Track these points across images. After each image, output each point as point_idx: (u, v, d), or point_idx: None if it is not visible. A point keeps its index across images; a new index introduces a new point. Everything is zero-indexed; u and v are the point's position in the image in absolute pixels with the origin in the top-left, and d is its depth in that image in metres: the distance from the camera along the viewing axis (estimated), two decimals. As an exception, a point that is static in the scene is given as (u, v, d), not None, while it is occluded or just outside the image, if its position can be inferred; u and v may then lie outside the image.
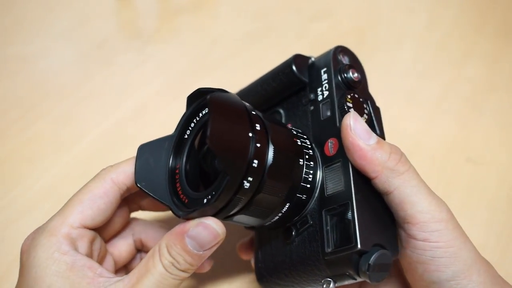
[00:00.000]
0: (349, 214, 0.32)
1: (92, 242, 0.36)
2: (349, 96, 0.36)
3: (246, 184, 0.31)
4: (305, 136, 0.37)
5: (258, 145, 0.32)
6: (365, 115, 0.36)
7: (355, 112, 0.34)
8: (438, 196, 0.34)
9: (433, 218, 0.32)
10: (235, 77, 0.71)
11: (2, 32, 0.81)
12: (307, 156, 0.35)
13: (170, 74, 0.73)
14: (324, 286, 0.33)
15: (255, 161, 0.32)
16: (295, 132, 0.36)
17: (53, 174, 0.59)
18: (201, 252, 0.32)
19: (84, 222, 0.35)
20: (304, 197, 0.35)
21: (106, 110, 0.68)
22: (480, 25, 0.81)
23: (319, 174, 0.36)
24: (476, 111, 0.67)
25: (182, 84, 0.70)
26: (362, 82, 0.38)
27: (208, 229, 0.32)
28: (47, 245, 0.33)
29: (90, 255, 0.35)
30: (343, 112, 0.35)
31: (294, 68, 0.38)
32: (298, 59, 0.39)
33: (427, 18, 0.84)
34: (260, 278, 0.39)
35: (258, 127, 0.33)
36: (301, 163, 0.35)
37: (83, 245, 0.35)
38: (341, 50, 0.39)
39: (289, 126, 0.38)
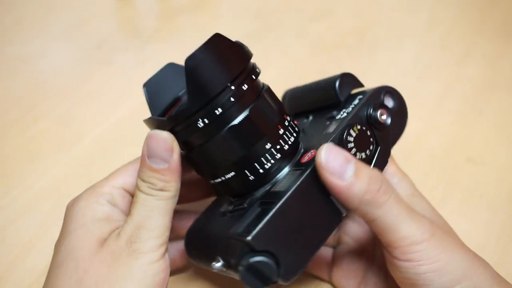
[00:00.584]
0: (269, 212, 0.31)
1: (125, 201, 0.38)
2: (358, 127, 0.34)
3: (200, 123, 0.32)
4: (294, 134, 0.36)
5: (232, 99, 0.32)
6: (364, 153, 0.34)
7: (331, 144, 0.32)
8: (419, 214, 0.33)
9: (414, 242, 0.32)
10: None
11: (2, 32, 0.81)
12: (278, 147, 0.34)
13: (170, 74, 0.73)
14: (214, 262, 0.33)
15: (219, 110, 0.32)
16: (286, 124, 0.36)
17: (54, 174, 0.59)
18: (166, 165, 0.33)
19: (125, 186, 0.37)
20: (251, 178, 0.34)
21: (106, 110, 0.68)
22: (480, 25, 0.81)
23: (281, 171, 0.35)
24: (476, 111, 0.67)
25: (182, 84, 0.70)
26: (387, 129, 0.36)
27: (154, 137, 0.34)
28: (87, 198, 0.36)
29: (127, 214, 0.37)
30: (341, 137, 0.34)
31: (337, 84, 0.38)
32: (346, 77, 0.39)
33: (427, 18, 0.84)
34: (187, 237, 0.41)
35: (245, 87, 0.33)
36: (267, 147, 0.34)
37: (123, 204, 0.37)
38: (388, 91, 0.38)
39: (295, 123, 0.37)
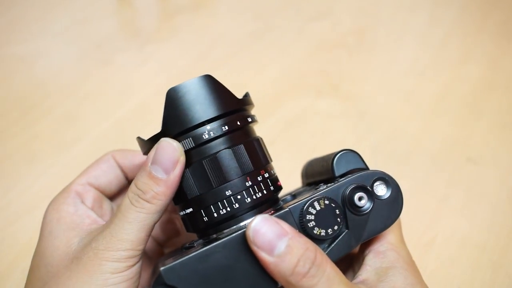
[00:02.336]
0: (193, 252, 0.30)
1: (98, 201, 0.39)
2: (325, 201, 0.32)
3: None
4: (264, 192, 0.35)
5: (205, 136, 0.33)
6: (324, 231, 0.32)
7: (266, 216, 0.30)
8: None
9: None
10: (235, 76, 0.71)
11: (2, 32, 0.81)
12: (239, 197, 0.33)
13: (170, 73, 0.73)
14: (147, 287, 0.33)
15: (192, 143, 0.33)
16: (259, 178, 0.35)
17: (53, 174, 0.59)
18: (165, 176, 0.32)
19: (89, 180, 0.39)
20: (205, 219, 0.34)
21: (106, 110, 0.68)
22: (480, 25, 0.81)
23: (244, 221, 0.34)
24: (476, 111, 0.67)
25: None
26: (364, 215, 0.33)
27: (164, 145, 0.33)
28: (56, 199, 0.37)
29: (93, 209, 0.38)
30: (303, 207, 0.32)
31: (335, 158, 0.37)
32: (348, 154, 0.37)
33: (427, 18, 0.84)
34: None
35: (224, 129, 0.34)
36: (227, 193, 0.33)
37: (89, 200, 0.38)
38: (382, 178, 0.34)
39: (278, 183, 0.37)
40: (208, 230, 0.34)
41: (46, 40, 0.80)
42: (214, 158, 0.33)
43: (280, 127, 0.65)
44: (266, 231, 0.29)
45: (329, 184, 0.34)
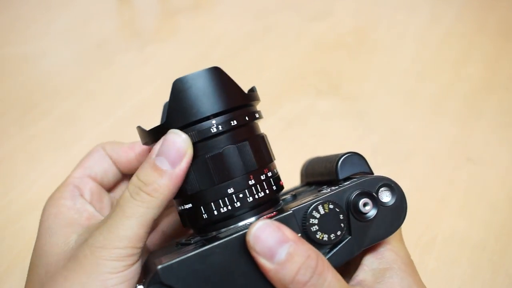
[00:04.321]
0: (191, 252, 0.29)
1: (97, 193, 0.38)
2: (330, 206, 0.31)
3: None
4: (266, 191, 0.34)
5: (212, 131, 0.32)
6: (327, 236, 0.31)
7: (268, 222, 0.29)
8: None
9: None
10: (235, 76, 0.71)
11: (2, 32, 0.81)
12: (241, 196, 0.33)
13: (170, 74, 0.73)
14: (138, 284, 0.31)
15: (196, 137, 0.32)
16: (262, 177, 0.34)
17: (53, 174, 0.59)
18: (169, 168, 0.31)
19: (85, 171, 0.38)
20: (205, 216, 0.33)
21: (106, 110, 0.68)
22: (479, 25, 0.81)
23: (244, 220, 0.33)
24: (476, 111, 0.67)
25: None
26: (368, 221, 0.32)
27: (171, 136, 0.31)
28: (54, 194, 0.37)
29: (91, 202, 0.37)
30: (306, 210, 0.31)
31: (340, 161, 0.36)
32: (353, 157, 0.36)
33: (427, 18, 0.84)
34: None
35: (232, 123, 0.32)
36: (229, 191, 0.32)
37: (87, 193, 0.38)
38: (387, 184, 0.33)
39: (280, 182, 0.36)
40: (206, 227, 0.34)
41: (47, 40, 0.80)
42: (218, 154, 0.32)
43: (280, 127, 0.65)
44: (266, 238, 0.28)
45: (333, 188, 0.34)
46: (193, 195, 0.33)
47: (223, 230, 0.33)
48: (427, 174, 0.59)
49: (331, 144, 0.63)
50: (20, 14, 0.85)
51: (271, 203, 0.35)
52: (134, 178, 0.32)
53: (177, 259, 0.28)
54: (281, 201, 0.37)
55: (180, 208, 0.34)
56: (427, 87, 0.71)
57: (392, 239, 0.35)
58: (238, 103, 0.33)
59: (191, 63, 0.75)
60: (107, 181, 0.40)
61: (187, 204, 0.33)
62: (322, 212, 0.31)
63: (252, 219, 0.33)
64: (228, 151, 0.32)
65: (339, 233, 0.31)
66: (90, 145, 0.63)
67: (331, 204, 0.31)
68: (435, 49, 0.78)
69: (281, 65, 0.75)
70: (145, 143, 0.36)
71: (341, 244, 0.32)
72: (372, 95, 0.70)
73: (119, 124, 0.66)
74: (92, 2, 0.88)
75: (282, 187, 0.36)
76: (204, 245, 0.30)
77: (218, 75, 0.33)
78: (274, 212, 0.33)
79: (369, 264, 0.34)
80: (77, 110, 0.68)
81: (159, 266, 0.28)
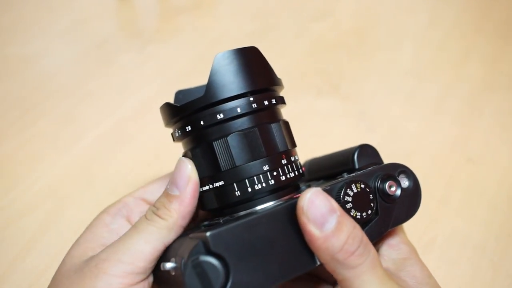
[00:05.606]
0: (238, 221, 0.29)
1: None
2: (361, 185, 0.32)
3: (216, 117, 0.32)
4: (295, 173, 0.34)
5: (248, 108, 0.32)
6: (359, 213, 0.32)
7: (319, 189, 0.29)
8: (394, 285, 0.31)
9: None
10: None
11: (2, 32, 0.81)
12: (275, 173, 0.33)
13: (170, 74, 0.73)
14: (165, 262, 0.30)
15: (237, 109, 0.32)
16: (292, 159, 0.34)
17: (53, 174, 0.59)
18: (176, 193, 0.33)
19: (144, 195, 0.38)
20: (238, 193, 0.33)
21: (106, 110, 0.68)
22: (479, 25, 0.81)
23: (269, 202, 0.33)
24: (476, 111, 0.67)
25: (182, 84, 0.70)
26: (394, 202, 0.34)
27: (178, 163, 0.33)
28: (106, 208, 0.37)
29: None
30: (340, 188, 0.32)
31: (357, 151, 0.38)
32: (368, 148, 0.39)
33: (427, 18, 0.84)
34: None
35: (264, 103, 0.33)
36: (264, 168, 0.33)
37: (135, 215, 0.37)
38: (405, 170, 0.35)
39: (302, 169, 0.36)
40: (226, 209, 0.34)
41: (47, 40, 0.80)
42: (255, 131, 0.33)
43: (280, 127, 0.65)
44: (319, 205, 0.29)
45: (357, 173, 0.35)
46: (227, 171, 0.33)
47: (241, 213, 0.33)
48: (427, 174, 0.59)
49: (331, 144, 0.63)
50: (20, 14, 0.85)
51: (294, 187, 0.35)
52: (150, 206, 0.34)
53: (226, 227, 0.28)
54: (302, 187, 0.37)
55: (208, 187, 0.34)
56: (427, 87, 0.71)
57: (401, 232, 0.36)
58: (275, 83, 0.34)
59: (191, 63, 0.75)
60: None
61: (218, 181, 0.33)
62: (355, 190, 0.32)
63: (271, 203, 0.33)
64: (265, 128, 0.33)
65: (370, 212, 0.33)
66: (90, 145, 0.63)
67: (362, 184, 0.32)
68: (435, 49, 0.78)
69: (281, 65, 0.75)
70: (170, 122, 0.36)
71: (371, 223, 0.33)
72: (372, 95, 0.70)
73: (119, 124, 0.66)
74: (92, 2, 0.88)
75: (304, 174, 0.37)
76: (243, 218, 0.30)
77: (258, 55, 0.34)
78: (297, 195, 0.33)
79: (388, 254, 0.35)
80: (77, 110, 0.68)
81: (209, 233, 0.27)
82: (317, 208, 0.29)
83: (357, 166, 0.37)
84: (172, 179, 0.33)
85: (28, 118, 0.66)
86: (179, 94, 0.40)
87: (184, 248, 0.29)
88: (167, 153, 0.56)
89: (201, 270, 0.27)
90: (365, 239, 0.30)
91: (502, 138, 0.63)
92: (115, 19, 0.87)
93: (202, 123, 0.33)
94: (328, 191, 0.32)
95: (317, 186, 0.36)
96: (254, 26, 0.83)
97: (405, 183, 0.35)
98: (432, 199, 0.56)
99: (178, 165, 0.33)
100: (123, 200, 0.37)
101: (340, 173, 0.39)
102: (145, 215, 0.33)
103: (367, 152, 0.38)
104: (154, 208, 0.33)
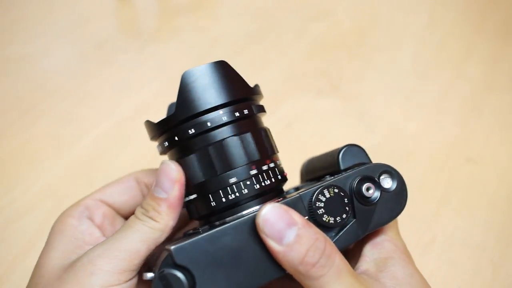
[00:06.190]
0: (203, 233, 0.30)
1: (110, 217, 0.38)
2: (335, 190, 0.32)
3: (188, 132, 0.33)
4: (270, 180, 0.35)
5: (219, 121, 0.33)
6: (333, 218, 0.32)
7: (276, 205, 0.30)
8: None
9: None
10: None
11: (2, 32, 0.81)
12: (248, 183, 0.34)
13: (170, 74, 0.73)
14: (147, 272, 0.31)
15: (206, 124, 0.33)
16: (264, 168, 0.35)
17: (53, 174, 0.59)
18: (165, 195, 0.33)
19: (102, 197, 0.38)
20: (213, 204, 0.34)
21: (106, 110, 0.68)
22: (480, 25, 0.81)
23: (250, 208, 0.34)
24: (476, 111, 0.67)
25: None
26: (372, 205, 0.33)
27: (163, 166, 0.34)
28: (65, 211, 0.37)
29: (101, 227, 0.38)
30: (312, 194, 0.32)
31: (341, 152, 0.37)
32: (353, 148, 0.38)
33: (427, 18, 0.84)
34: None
35: (236, 115, 0.34)
36: (231, 181, 0.33)
37: (98, 216, 0.38)
38: (387, 171, 0.35)
39: (284, 174, 0.37)
40: (211, 217, 0.35)
41: (47, 40, 0.80)
42: (220, 144, 0.33)
43: (280, 127, 0.65)
44: (275, 220, 0.29)
45: (336, 175, 0.35)
46: (198, 184, 0.34)
47: (228, 219, 0.34)
48: (427, 174, 0.59)
49: (331, 144, 0.62)
50: (20, 14, 0.85)
51: (275, 192, 0.36)
52: (138, 207, 0.34)
53: (190, 240, 0.29)
54: (285, 193, 0.37)
55: (186, 199, 0.35)
56: (427, 87, 0.71)
57: (389, 230, 0.36)
58: (243, 95, 0.35)
59: (191, 63, 0.74)
60: (124, 210, 0.40)
61: (192, 194, 0.34)
62: (327, 195, 0.32)
63: (257, 207, 0.34)
64: (230, 141, 0.33)
65: (344, 216, 0.32)
66: (90, 145, 0.63)
67: (336, 188, 0.32)
68: (435, 49, 0.78)
69: (281, 65, 0.75)
70: (152, 138, 0.37)
71: (346, 227, 0.33)
72: (372, 95, 0.70)
73: (119, 124, 0.66)
74: (92, 2, 0.88)
75: (286, 178, 0.37)
76: (213, 229, 0.30)
77: (224, 68, 0.35)
78: (279, 199, 0.34)
79: (370, 255, 0.34)
80: (77, 110, 0.68)
81: (173, 247, 0.29)
82: (272, 224, 0.29)
83: (341, 168, 0.37)
84: (157, 181, 0.34)
85: (28, 118, 0.66)
86: (172, 107, 0.40)
87: (159, 260, 0.31)
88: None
89: (167, 282, 0.29)
90: (328, 249, 0.30)
91: (502, 138, 0.63)
92: (115, 19, 0.87)
93: (191, 131, 0.33)
94: (298, 199, 0.32)
95: (303, 188, 0.36)
96: (254, 26, 0.82)
97: (388, 183, 0.35)
98: (432, 199, 0.56)
99: (163, 167, 0.34)
100: (82, 203, 0.37)
101: (323, 176, 0.39)
102: (135, 216, 0.33)
103: (352, 152, 0.38)
104: (144, 210, 0.33)
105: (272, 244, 0.29)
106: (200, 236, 0.30)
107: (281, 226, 0.29)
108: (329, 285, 0.29)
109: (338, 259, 0.30)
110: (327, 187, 0.32)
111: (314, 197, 0.32)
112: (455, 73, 0.73)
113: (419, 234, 0.53)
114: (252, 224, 0.30)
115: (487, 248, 0.51)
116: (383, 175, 0.35)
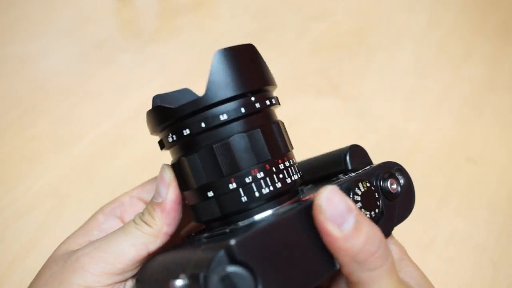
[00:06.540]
0: (260, 224, 0.27)
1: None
2: (367, 184, 0.31)
3: (218, 119, 0.30)
4: (292, 177, 0.33)
5: (242, 110, 0.31)
6: (368, 213, 0.31)
7: (336, 187, 0.27)
8: None
9: None
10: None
11: (2, 32, 0.81)
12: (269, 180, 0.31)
13: (170, 74, 0.73)
14: (174, 280, 0.26)
15: (224, 115, 0.30)
16: (281, 166, 0.33)
17: (53, 174, 0.59)
18: (159, 200, 0.33)
19: (140, 193, 0.38)
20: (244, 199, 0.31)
21: (106, 110, 0.68)
22: (480, 25, 0.81)
23: (266, 210, 0.32)
24: (476, 111, 0.67)
25: (182, 84, 0.70)
26: (396, 200, 0.33)
27: (160, 172, 0.34)
28: (104, 206, 0.37)
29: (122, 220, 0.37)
30: (349, 187, 0.31)
31: (348, 152, 0.37)
32: (357, 148, 0.38)
33: (427, 18, 0.84)
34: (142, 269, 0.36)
35: (256, 106, 0.32)
36: (258, 176, 0.31)
37: (128, 215, 0.37)
38: (399, 168, 0.35)
39: (300, 172, 0.35)
40: (225, 219, 0.32)
41: (47, 40, 0.80)
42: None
43: (280, 127, 0.65)
44: (337, 202, 0.27)
45: (358, 172, 0.34)
46: (227, 177, 0.31)
47: (240, 223, 0.31)
48: (427, 174, 0.59)
49: (331, 144, 0.62)
50: (21, 14, 0.85)
51: (292, 193, 0.34)
52: (138, 213, 0.34)
53: (252, 232, 0.26)
54: (300, 192, 0.36)
55: (205, 196, 0.32)
56: (427, 87, 0.71)
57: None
58: (267, 83, 0.34)
59: (191, 63, 0.75)
60: None
61: (216, 190, 0.31)
62: (362, 189, 0.31)
63: (269, 211, 0.31)
64: (239, 138, 0.31)
65: (377, 211, 0.31)
66: (90, 145, 0.63)
67: (368, 183, 0.31)
68: (435, 49, 0.78)
69: (281, 65, 0.75)
70: (160, 125, 0.34)
71: (379, 223, 0.32)
72: (372, 95, 0.70)
73: (119, 124, 0.66)
74: (92, 2, 0.88)
75: (302, 176, 0.35)
76: (245, 230, 0.27)
77: (254, 52, 0.34)
78: (313, 194, 0.31)
79: None
80: (77, 110, 0.68)
81: (233, 242, 0.25)
82: (335, 206, 0.27)
83: (350, 167, 0.36)
84: (156, 187, 0.34)
85: (28, 118, 0.66)
86: (157, 99, 0.37)
87: (197, 262, 0.27)
88: (167, 153, 0.56)
89: (230, 283, 0.25)
90: (384, 239, 0.28)
91: (502, 138, 0.63)
92: (115, 19, 0.87)
93: (203, 125, 0.30)
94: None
95: (307, 190, 0.35)
96: (254, 26, 0.82)
97: (401, 179, 0.35)
98: (432, 199, 0.56)
99: (160, 172, 0.34)
100: (119, 199, 0.37)
101: (334, 175, 0.38)
102: (133, 220, 0.33)
103: (357, 152, 0.37)
104: (141, 214, 0.33)
105: (332, 229, 0.27)
106: (259, 229, 0.26)
107: (343, 209, 0.27)
108: (381, 279, 0.28)
109: (390, 253, 0.28)
110: (361, 181, 0.31)
111: (352, 191, 0.30)
112: (455, 73, 0.73)
113: (419, 234, 0.53)
114: (305, 215, 0.28)
115: (487, 248, 0.51)
116: (397, 172, 0.35)
